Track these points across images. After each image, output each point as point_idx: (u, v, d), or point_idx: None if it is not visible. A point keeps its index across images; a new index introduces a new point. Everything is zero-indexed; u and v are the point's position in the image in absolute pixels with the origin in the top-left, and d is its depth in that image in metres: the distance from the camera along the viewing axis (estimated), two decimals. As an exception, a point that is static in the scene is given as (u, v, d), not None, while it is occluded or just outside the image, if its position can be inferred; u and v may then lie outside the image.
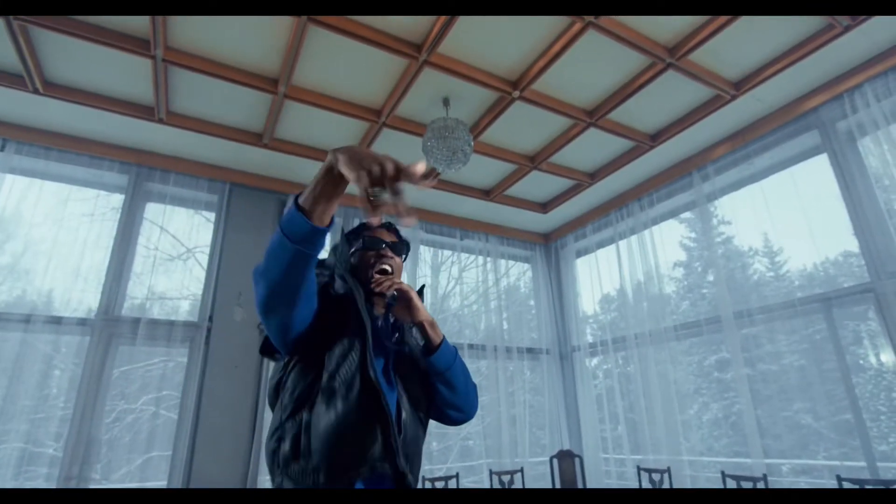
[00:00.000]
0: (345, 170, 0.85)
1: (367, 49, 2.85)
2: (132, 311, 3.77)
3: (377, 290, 1.24)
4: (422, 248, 5.17)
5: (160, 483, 3.55)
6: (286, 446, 1.05)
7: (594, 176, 4.48)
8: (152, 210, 4.03)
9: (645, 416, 4.39)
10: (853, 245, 3.35)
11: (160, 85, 3.11)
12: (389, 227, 1.39)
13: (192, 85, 3.19)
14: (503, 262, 5.64)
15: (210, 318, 3.84)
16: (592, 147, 4.03)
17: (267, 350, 1.18)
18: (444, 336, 1.29)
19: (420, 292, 1.36)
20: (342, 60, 3.01)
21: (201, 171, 4.05)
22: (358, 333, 1.16)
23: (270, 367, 3.89)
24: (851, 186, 3.26)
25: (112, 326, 3.56)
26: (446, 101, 3.37)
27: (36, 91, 3.12)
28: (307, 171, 4.20)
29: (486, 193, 4.75)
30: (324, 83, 3.23)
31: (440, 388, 1.26)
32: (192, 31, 2.77)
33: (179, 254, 4.72)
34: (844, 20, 2.70)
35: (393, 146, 3.88)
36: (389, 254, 1.32)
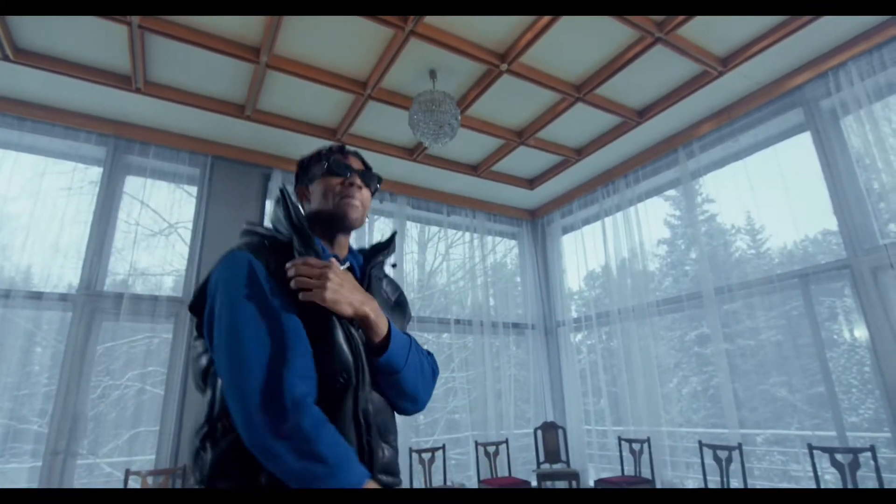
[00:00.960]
0: None
1: (351, 18, 2.78)
2: (115, 287, 3.72)
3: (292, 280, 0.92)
4: (409, 223, 5.15)
5: (149, 457, 3.57)
6: (221, 452, 0.85)
7: (581, 152, 4.48)
8: (132, 184, 3.94)
9: (627, 390, 4.50)
10: (832, 223, 3.41)
11: (137, 53, 3.00)
12: (357, 155, 1.20)
13: (171, 53, 3.09)
14: (490, 238, 5.66)
15: (194, 294, 3.80)
16: (580, 122, 4.01)
17: (197, 312, 0.96)
18: (388, 327, 0.99)
19: (388, 243, 1.18)
20: (326, 29, 2.93)
21: (182, 143, 3.95)
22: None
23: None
24: (833, 164, 3.31)
25: (94, 302, 3.51)
26: (433, 74, 3.31)
27: (6, 58, 2.99)
28: (291, 145, 4.13)
29: (473, 169, 4.73)
30: (307, 53, 3.15)
31: (386, 389, 1.01)
32: (169, -4, 2.66)
33: (161, 229, 4.64)
34: (832, -4, 2.69)
35: (379, 119, 3.83)
36: (359, 182, 1.13)
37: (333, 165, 1.13)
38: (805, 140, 3.53)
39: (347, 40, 3.02)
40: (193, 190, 4.14)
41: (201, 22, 2.86)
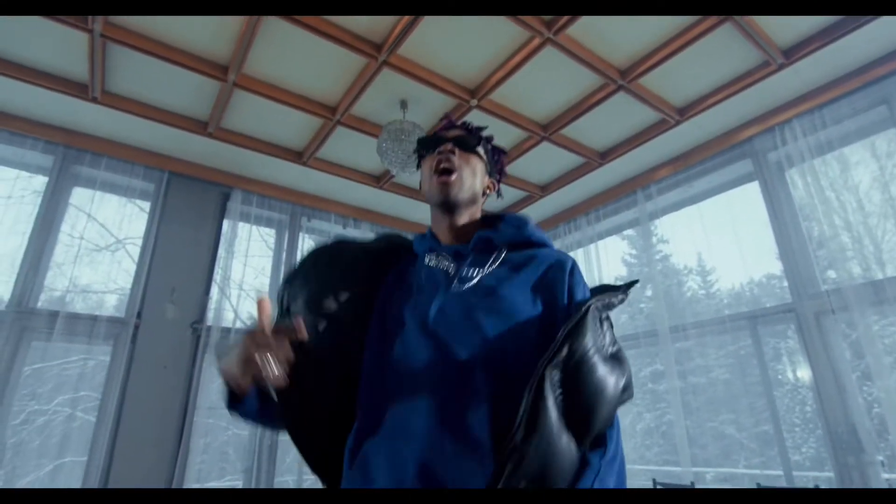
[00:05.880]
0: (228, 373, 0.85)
1: (325, 44, 2.77)
2: (50, 304, 3.46)
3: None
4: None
5: (71, 492, 3.26)
6: None
7: (545, 189, 4.58)
8: (79, 195, 3.73)
9: (583, 426, 4.48)
10: (776, 268, 3.59)
11: (97, 62, 2.89)
12: (459, 125, 1.12)
13: (134, 64, 2.99)
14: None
15: (139, 315, 3.59)
16: (545, 160, 4.11)
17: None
18: None
19: (625, 287, 0.93)
20: (298, 53, 2.91)
21: (138, 157, 3.80)
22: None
23: (203, 369, 3.69)
24: (779, 213, 3.49)
25: (25, 319, 3.25)
26: (404, 104, 3.34)
27: (-51, 56, 2.82)
28: (254, 165, 4.03)
29: (439, 199, 4.73)
30: (277, 74, 3.12)
31: None
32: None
33: (108, 244, 4.40)
34: (779, 58, 2.90)
35: (347, 144, 3.80)
36: (449, 148, 1.03)
37: (423, 145, 1.07)
38: (754, 189, 3.74)
39: (320, 65, 3.01)
40: (146, 205, 3.96)
41: (169, 35, 2.79)
